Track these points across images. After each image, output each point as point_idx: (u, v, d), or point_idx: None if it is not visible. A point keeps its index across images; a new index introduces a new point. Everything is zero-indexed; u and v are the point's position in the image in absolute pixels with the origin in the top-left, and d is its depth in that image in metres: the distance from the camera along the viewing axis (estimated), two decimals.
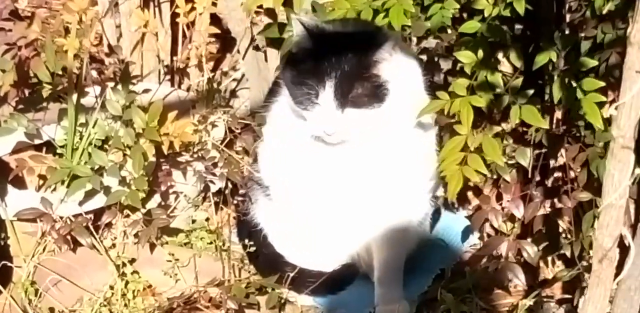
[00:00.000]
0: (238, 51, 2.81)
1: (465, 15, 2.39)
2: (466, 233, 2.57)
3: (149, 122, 2.44)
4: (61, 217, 2.45)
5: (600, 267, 1.74)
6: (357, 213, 2.39)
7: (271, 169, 2.44)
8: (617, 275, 1.77)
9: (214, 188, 2.53)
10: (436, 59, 2.49)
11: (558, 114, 2.37)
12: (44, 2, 3.05)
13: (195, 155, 2.56)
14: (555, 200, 2.33)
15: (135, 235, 2.47)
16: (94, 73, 2.61)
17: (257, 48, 2.77)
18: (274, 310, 2.40)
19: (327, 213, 2.40)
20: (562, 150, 2.35)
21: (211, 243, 2.51)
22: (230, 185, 2.52)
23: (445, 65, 2.51)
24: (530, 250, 2.32)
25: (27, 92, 2.64)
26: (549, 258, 2.47)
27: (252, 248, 2.43)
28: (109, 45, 2.83)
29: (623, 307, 1.83)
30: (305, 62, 2.20)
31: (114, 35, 2.87)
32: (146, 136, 2.44)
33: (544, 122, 2.17)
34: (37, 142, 2.55)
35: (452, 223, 2.62)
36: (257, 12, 2.69)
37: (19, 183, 2.53)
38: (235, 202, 2.50)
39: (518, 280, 2.33)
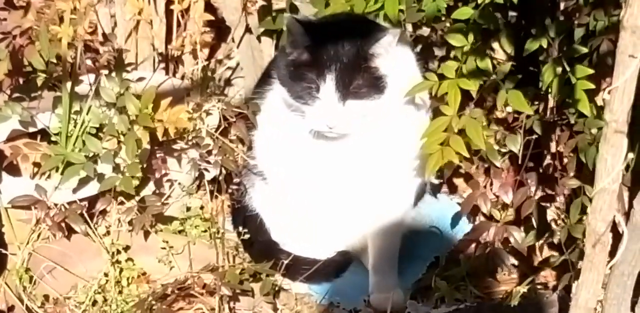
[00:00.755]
0: (232, 40, 2.81)
1: (460, 4, 2.39)
2: (460, 221, 2.57)
3: (143, 109, 2.44)
4: (55, 204, 2.45)
5: (593, 251, 1.74)
6: (353, 203, 2.39)
7: (267, 157, 2.44)
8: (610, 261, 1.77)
9: (208, 176, 2.53)
10: (431, 46, 2.49)
11: (552, 102, 2.37)
12: None
13: (190, 143, 2.56)
14: (547, 187, 2.34)
15: (130, 223, 2.47)
16: (89, 61, 2.61)
17: (251, 32, 2.77)
18: (268, 296, 2.40)
19: (323, 202, 2.41)
20: (555, 138, 2.36)
21: (205, 231, 2.50)
22: (224, 173, 2.52)
23: (440, 53, 2.51)
24: (518, 236, 2.33)
25: (21, 80, 2.64)
26: (545, 246, 2.47)
27: (247, 236, 2.42)
28: (104, 34, 2.82)
29: (616, 292, 1.83)
30: (304, 57, 2.20)
31: (109, 24, 2.86)
32: (140, 122, 2.44)
33: (528, 107, 2.17)
34: (31, 129, 2.55)
35: (447, 212, 2.61)
36: (251, 1, 2.69)
37: (14, 170, 2.53)
38: (229, 190, 2.50)
39: (505, 265, 2.33)
